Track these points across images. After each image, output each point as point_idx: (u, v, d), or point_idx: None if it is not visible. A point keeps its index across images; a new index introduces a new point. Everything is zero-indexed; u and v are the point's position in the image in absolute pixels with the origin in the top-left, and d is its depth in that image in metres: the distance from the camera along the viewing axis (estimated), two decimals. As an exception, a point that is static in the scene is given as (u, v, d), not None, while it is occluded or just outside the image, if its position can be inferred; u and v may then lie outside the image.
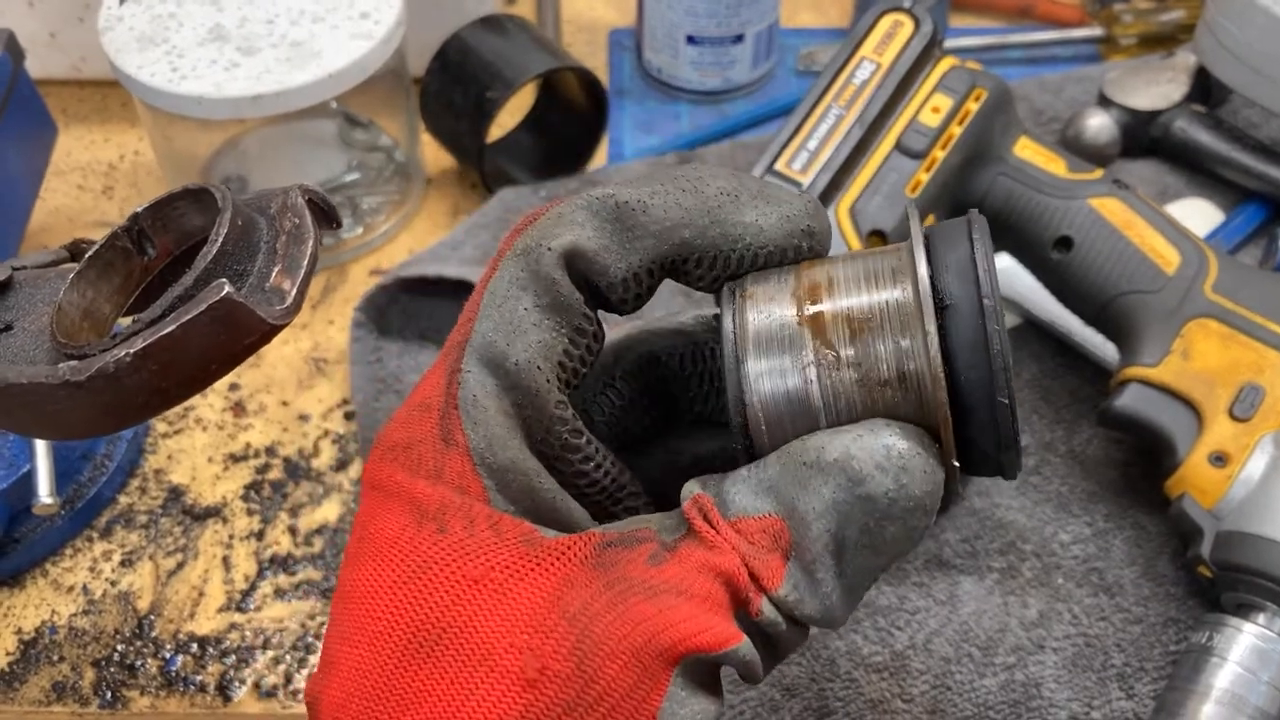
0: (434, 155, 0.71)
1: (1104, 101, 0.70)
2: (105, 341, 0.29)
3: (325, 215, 0.33)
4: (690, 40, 0.72)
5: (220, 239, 0.29)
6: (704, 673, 0.26)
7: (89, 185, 0.71)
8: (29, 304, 0.34)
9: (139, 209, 0.33)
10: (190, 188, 0.32)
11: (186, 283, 0.29)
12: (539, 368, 0.26)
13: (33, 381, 0.27)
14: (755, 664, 0.26)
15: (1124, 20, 0.77)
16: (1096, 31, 0.79)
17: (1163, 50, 0.76)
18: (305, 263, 0.30)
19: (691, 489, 0.27)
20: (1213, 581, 0.47)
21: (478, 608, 0.25)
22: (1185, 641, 0.48)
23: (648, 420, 0.33)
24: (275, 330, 0.29)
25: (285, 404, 0.59)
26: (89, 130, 0.74)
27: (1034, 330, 0.60)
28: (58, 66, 0.74)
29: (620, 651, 0.24)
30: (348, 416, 0.59)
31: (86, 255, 0.33)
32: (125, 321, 0.32)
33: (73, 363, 0.27)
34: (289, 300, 0.29)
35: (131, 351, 0.27)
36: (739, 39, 0.72)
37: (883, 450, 0.24)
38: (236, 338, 0.28)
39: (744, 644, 0.25)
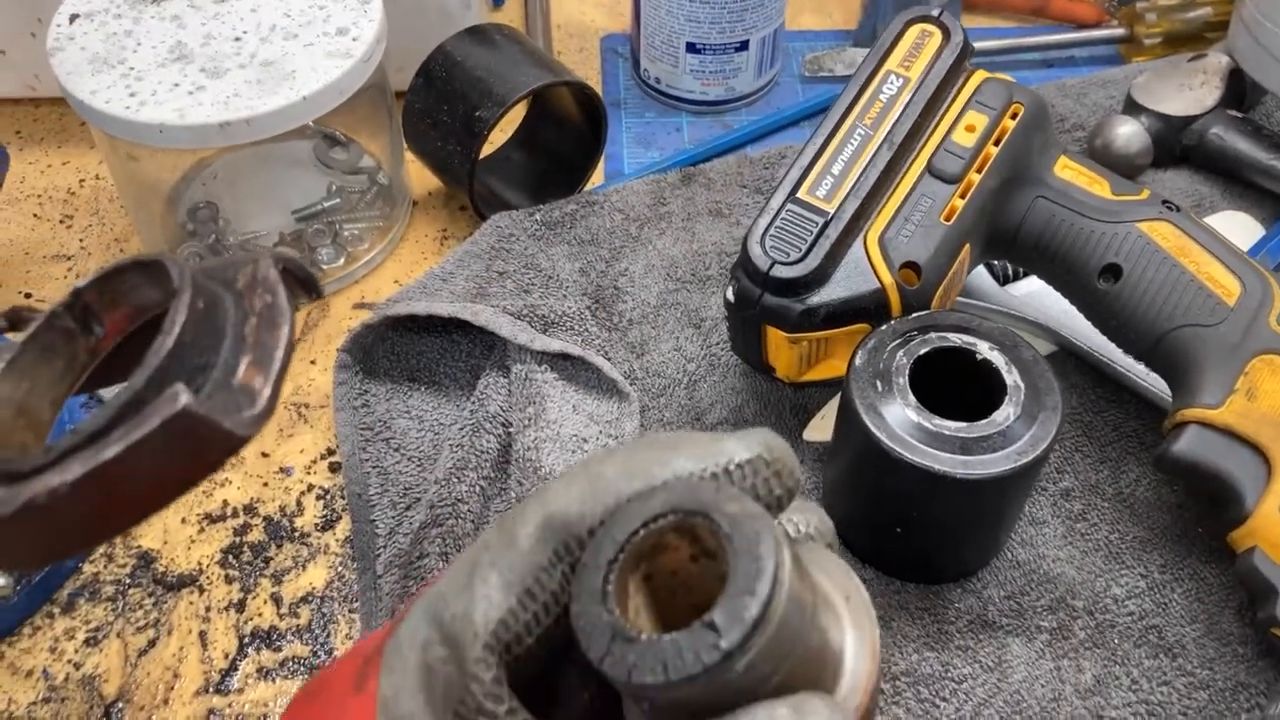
0: (419, 175, 0.66)
1: (1132, 108, 0.66)
2: (38, 456, 0.24)
3: (303, 285, 0.29)
4: (691, 48, 0.68)
5: (176, 329, 0.25)
6: None
7: (46, 214, 0.66)
8: (-43, 391, 0.29)
9: (81, 284, 0.28)
10: (140, 260, 0.27)
11: (136, 384, 0.24)
12: (471, 621, 0.25)
13: (-52, 515, 0.23)
14: None
15: (1147, 19, 0.73)
16: (1118, 31, 0.74)
17: (1188, 50, 0.72)
18: (280, 353, 0.25)
19: None
20: (1287, 644, 0.43)
21: None
22: (1258, 710, 0.44)
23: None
24: (244, 442, 0.24)
25: (265, 455, 0.54)
26: (45, 153, 0.69)
27: (1070, 359, 0.56)
28: (9, 85, 0.69)
29: None
30: (333, 469, 0.54)
31: (22, 340, 0.28)
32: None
33: (-3, 490, 0.23)
34: (261, 403, 0.24)
35: (69, 480, 0.22)
36: (743, 46, 0.68)
37: (827, 710, 0.24)
38: (197, 455, 0.23)
39: None
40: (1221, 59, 0.66)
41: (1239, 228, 0.62)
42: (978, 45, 0.74)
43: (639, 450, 0.27)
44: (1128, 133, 0.64)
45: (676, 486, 0.25)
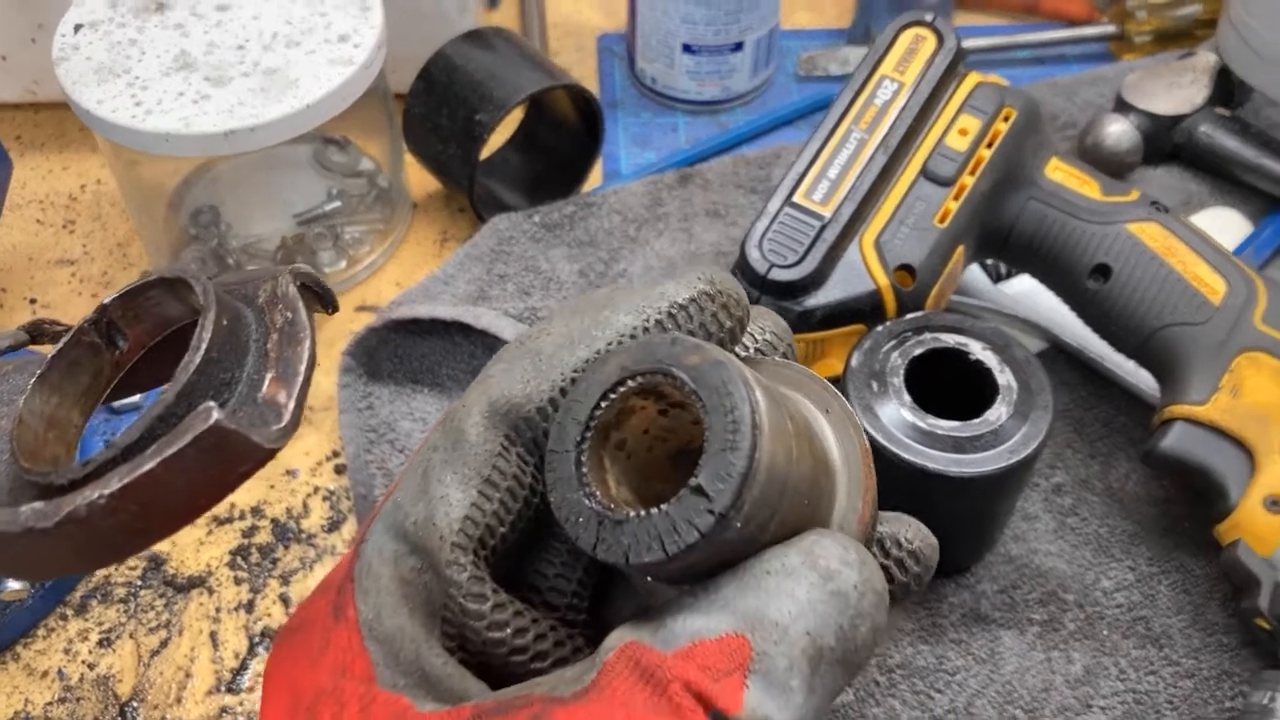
0: (418, 177, 0.67)
1: (1122, 106, 0.67)
2: (74, 469, 0.25)
3: (320, 300, 0.30)
4: (687, 49, 0.69)
5: (204, 345, 0.26)
6: None
7: (48, 219, 0.66)
8: (-16, 403, 0.30)
9: (107, 300, 0.29)
10: (165, 276, 0.28)
11: (167, 399, 0.25)
12: (434, 524, 0.24)
13: (-11, 530, 0.23)
14: None
15: (1138, 17, 0.74)
16: (1109, 29, 0.75)
17: (1178, 47, 0.73)
18: (303, 368, 0.26)
19: (619, 638, 0.23)
20: (1271, 634, 0.44)
21: None
22: (1241, 698, 0.45)
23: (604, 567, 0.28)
24: (271, 455, 0.25)
25: (270, 457, 0.55)
26: (46, 158, 0.69)
27: (1062, 356, 0.57)
28: (10, 90, 0.69)
29: None
30: (338, 470, 0.55)
31: (50, 355, 0.29)
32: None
33: (37, 505, 0.23)
34: (286, 417, 0.25)
35: (107, 493, 0.23)
36: (738, 47, 0.69)
37: (839, 547, 0.23)
38: (228, 468, 0.24)
39: None
40: (1210, 57, 0.67)
41: (1227, 225, 0.63)
42: (970, 43, 0.75)
43: (575, 315, 0.26)
44: (1118, 131, 0.65)
45: (629, 348, 0.23)
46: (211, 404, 0.23)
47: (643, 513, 0.22)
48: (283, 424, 0.25)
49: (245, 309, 0.28)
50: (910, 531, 0.27)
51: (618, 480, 0.24)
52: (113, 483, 0.23)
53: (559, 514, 0.23)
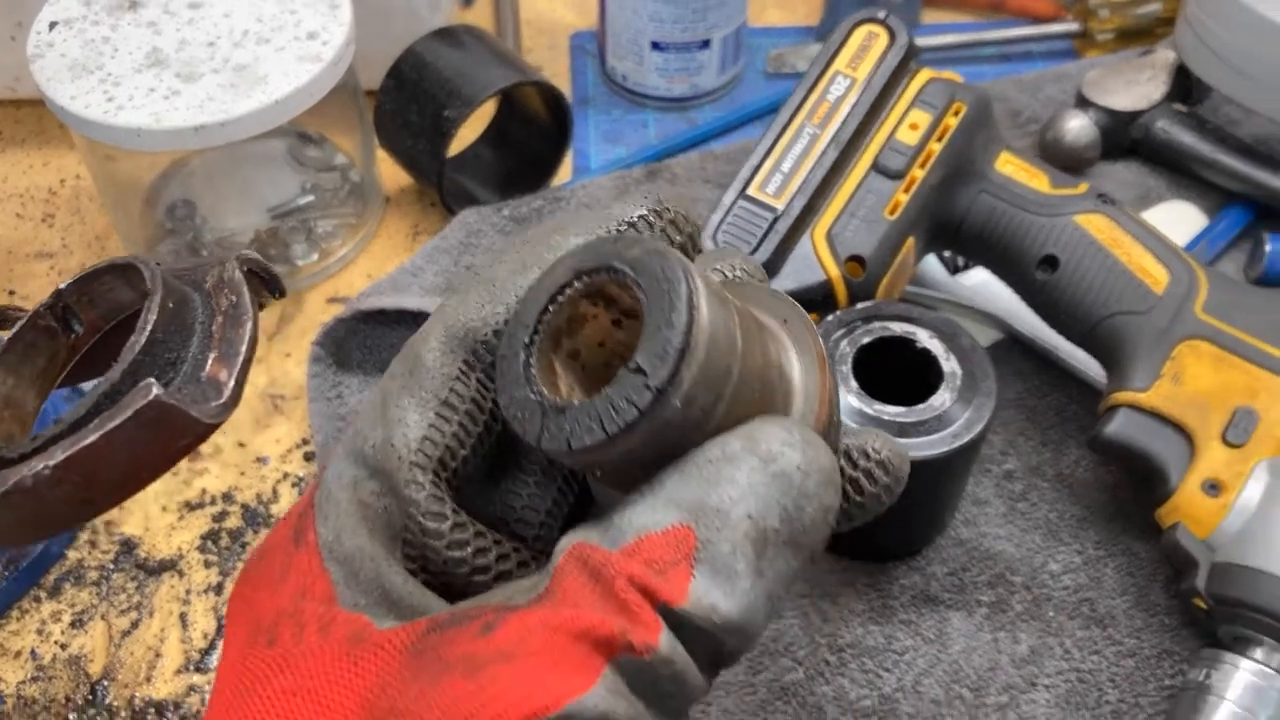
0: (391, 172, 0.68)
1: (1083, 103, 0.68)
2: (24, 444, 0.26)
3: (267, 284, 0.31)
4: (655, 46, 0.70)
5: (149, 326, 0.27)
6: None
7: (28, 214, 0.67)
8: (-54, 386, 0.31)
9: (63, 285, 0.30)
10: (117, 263, 0.30)
11: (113, 377, 0.26)
12: (392, 445, 0.24)
13: (-61, 498, 0.25)
14: (625, 713, 0.22)
15: (1100, 15, 0.75)
16: (1072, 26, 0.77)
17: (1141, 44, 0.74)
18: (243, 348, 0.28)
19: (569, 540, 0.23)
20: (1208, 613, 0.46)
21: None
22: (1181, 676, 0.47)
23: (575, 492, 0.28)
24: (211, 430, 0.26)
25: (242, 445, 0.57)
26: (26, 154, 0.71)
27: (1017, 346, 0.58)
28: (-9, 87, 0.70)
29: None
30: (308, 458, 0.56)
31: (7, 338, 0.30)
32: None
33: (-15, 477, 0.25)
34: (226, 394, 0.27)
35: (51, 464, 0.24)
36: (705, 44, 0.70)
37: (782, 430, 0.23)
38: (168, 441, 0.25)
39: (593, 692, 0.21)
40: (1169, 54, 0.69)
41: (1184, 218, 0.65)
42: (937, 40, 0.76)
43: (527, 243, 0.26)
44: (1077, 127, 0.66)
45: (575, 251, 0.24)
46: (152, 380, 0.25)
47: (583, 400, 0.22)
48: (222, 400, 0.26)
49: (193, 293, 0.29)
50: (878, 442, 0.27)
51: (570, 387, 0.24)
52: (57, 454, 0.24)
53: (506, 413, 0.23)
